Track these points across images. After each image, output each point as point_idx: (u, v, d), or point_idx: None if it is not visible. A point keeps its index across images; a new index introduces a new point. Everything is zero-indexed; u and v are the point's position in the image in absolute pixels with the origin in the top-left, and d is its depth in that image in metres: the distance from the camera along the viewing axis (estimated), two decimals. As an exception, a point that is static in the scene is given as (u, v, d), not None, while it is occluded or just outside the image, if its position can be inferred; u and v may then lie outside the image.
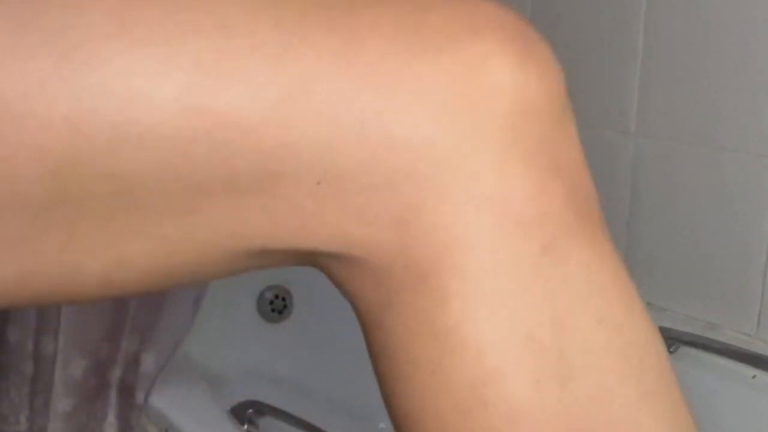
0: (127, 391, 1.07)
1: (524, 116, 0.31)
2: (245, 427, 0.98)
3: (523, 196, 0.31)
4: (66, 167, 0.30)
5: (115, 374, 1.08)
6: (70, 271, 0.33)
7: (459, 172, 0.31)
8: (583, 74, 1.20)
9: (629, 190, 1.15)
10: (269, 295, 1.44)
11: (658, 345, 0.34)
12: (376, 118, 0.30)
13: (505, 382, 0.31)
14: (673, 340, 1.09)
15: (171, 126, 0.30)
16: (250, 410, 1.01)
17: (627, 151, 1.15)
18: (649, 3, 1.09)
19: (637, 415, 0.33)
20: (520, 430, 0.31)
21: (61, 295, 0.35)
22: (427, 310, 0.32)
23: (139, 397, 1.06)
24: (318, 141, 0.30)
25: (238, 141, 0.30)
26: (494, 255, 0.31)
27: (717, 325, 1.09)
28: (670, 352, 1.09)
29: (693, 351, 1.07)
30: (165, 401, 1.05)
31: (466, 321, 0.31)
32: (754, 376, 1.01)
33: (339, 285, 0.35)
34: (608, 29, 1.15)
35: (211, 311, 1.22)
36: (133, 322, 1.06)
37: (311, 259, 0.34)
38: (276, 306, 1.44)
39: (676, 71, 1.07)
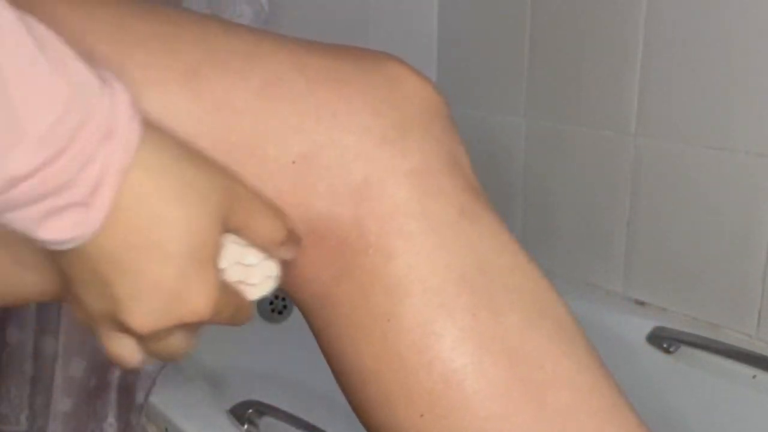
0: (127, 391, 1.07)
1: (432, 114, 0.40)
2: (245, 427, 0.98)
3: (439, 171, 0.39)
4: None
5: (115, 374, 1.07)
6: None
7: (392, 150, 0.38)
8: (583, 74, 1.20)
9: (629, 190, 1.15)
10: (269, 295, 1.44)
11: (552, 288, 0.42)
12: (328, 110, 0.38)
13: (451, 314, 0.38)
14: (673, 340, 1.09)
15: (183, 107, 0.36)
16: (250, 410, 1.01)
17: (627, 151, 1.15)
18: (649, 3, 1.09)
19: (550, 343, 0.40)
20: (466, 353, 0.38)
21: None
22: (378, 268, 0.38)
23: (139, 397, 1.06)
24: (290, 127, 0.37)
25: (233, 120, 0.37)
26: (425, 217, 0.39)
27: (717, 325, 1.09)
28: (670, 352, 1.09)
29: (693, 351, 1.07)
30: (165, 401, 1.05)
31: (411, 271, 0.38)
32: (754, 376, 1.01)
33: (292, 283, 0.42)
34: (608, 29, 1.15)
35: (211, 311, 1.22)
36: (133, 322, 1.06)
37: None
38: (276, 306, 1.44)
39: (676, 71, 1.07)
